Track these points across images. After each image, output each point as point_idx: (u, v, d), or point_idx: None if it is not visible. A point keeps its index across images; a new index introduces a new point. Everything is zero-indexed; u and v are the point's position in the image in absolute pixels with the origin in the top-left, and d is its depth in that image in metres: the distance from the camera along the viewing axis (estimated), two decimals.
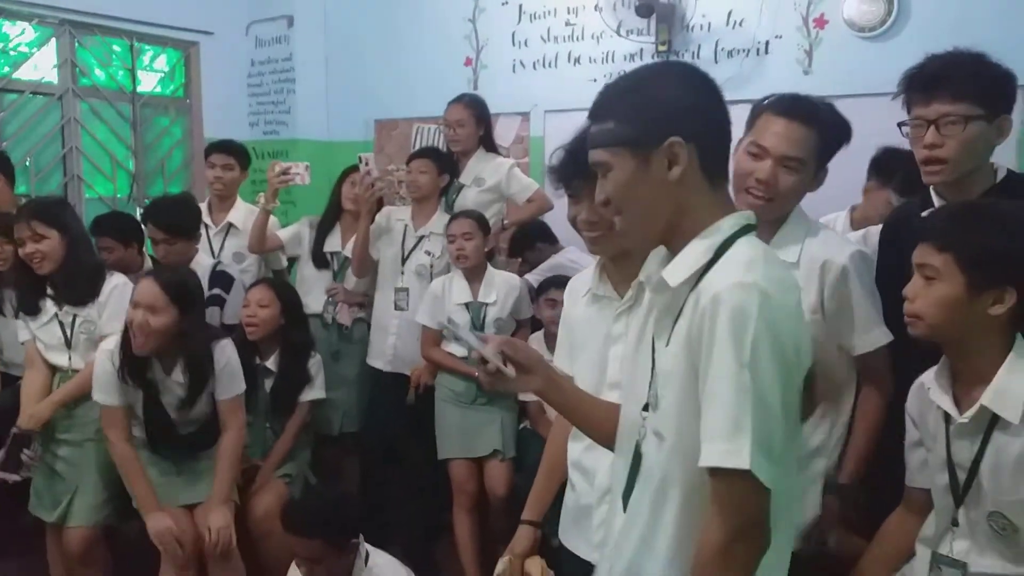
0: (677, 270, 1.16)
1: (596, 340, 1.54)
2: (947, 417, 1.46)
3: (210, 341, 2.56)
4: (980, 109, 1.62)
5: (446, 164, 3.36)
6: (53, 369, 2.66)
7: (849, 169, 2.90)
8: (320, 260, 3.43)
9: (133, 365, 2.44)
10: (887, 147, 2.75)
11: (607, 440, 1.37)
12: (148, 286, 2.39)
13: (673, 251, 1.19)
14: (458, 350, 3.04)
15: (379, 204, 3.40)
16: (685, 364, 1.12)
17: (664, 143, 1.14)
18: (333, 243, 3.44)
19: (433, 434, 3.10)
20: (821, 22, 3.77)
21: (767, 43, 3.88)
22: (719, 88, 1.21)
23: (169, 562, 2.44)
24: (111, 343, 2.49)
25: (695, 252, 1.15)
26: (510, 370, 1.31)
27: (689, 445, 1.10)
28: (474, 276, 3.06)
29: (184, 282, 2.49)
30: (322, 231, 3.45)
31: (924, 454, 1.56)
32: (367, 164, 3.23)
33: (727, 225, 1.16)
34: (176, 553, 2.42)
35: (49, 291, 2.60)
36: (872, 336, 1.78)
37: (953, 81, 1.63)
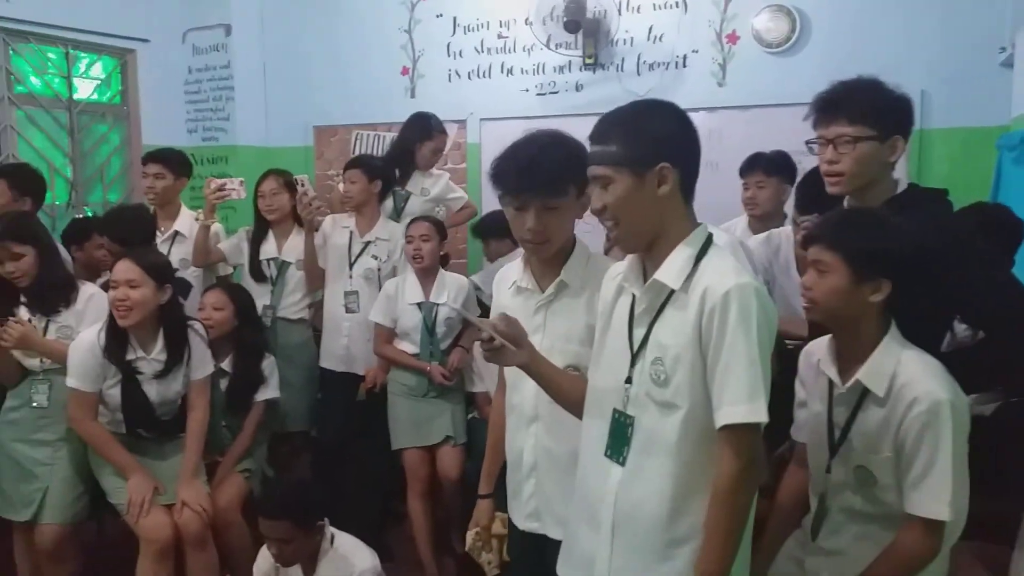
0: (672, 275, 1.44)
1: None
2: (831, 384, 1.73)
3: (186, 319, 2.75)
4: (872, 131, 1.81)
5: (377, 171, 3.49)
6: (25, 372, 2.72)
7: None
8: (257, 274, 3.52)
9: (114, 344, 2.57)
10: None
11: (573, 406, 1.65)
12: (125, 264, 2.56)
13: (656, 255, 1.48)
14: (410, 347, 3.21)
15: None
16: (694, 351, 1.40)
17: (656, 166, 1.42)
18: (269, 250, 3.53)
19: (383, 428, 3.24)
20: (733, 38, 4.12)
21: (685, 57, 4.20)
22: (694, 124, 1.48)
23: (147, 554, 2.52)
24: (90, 333, 2.60)
25: (680, 260, 1.45)
26: (511, 345, 1.56)
27: (700, 412, 1.41)
28: (427, 277, 3.22)
29: (157, 258, 2.72)
30: (256, 242, 3.53)
31: (807, 412, 1.84)
32: (303, 185, 3.37)
33: (697, 238, 1.46)
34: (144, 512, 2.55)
35: (23, 299, 2.68)
36: None
37: (850, 106, 1.82)
